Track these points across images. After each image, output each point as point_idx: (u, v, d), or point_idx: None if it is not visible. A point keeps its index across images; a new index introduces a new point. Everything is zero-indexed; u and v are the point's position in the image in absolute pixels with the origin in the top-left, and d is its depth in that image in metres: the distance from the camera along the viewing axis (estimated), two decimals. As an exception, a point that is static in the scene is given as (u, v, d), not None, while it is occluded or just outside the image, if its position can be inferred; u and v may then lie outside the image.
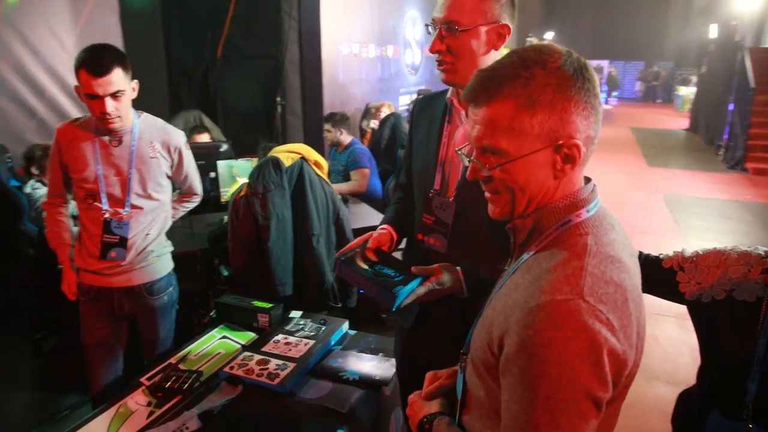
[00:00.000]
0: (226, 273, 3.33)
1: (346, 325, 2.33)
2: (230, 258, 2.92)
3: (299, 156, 2.89)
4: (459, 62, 1.41)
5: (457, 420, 1.04)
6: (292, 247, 2.87)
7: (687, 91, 17.46)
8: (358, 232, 2.20)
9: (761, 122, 9.79)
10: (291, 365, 1.97)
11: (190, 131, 4.44)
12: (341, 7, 6.54)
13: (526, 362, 0.79)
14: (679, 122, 15.66)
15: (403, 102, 8.73)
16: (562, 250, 0.88)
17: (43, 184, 3.46)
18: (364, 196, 4.53)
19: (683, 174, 9.46)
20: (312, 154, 2.98)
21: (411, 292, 1.35)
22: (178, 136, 2.29)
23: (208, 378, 1.98)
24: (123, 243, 2.16)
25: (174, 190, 2.46)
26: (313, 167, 2.95)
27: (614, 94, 21.83)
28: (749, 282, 1.16)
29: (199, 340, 2.27)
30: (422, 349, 1.63)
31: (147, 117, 2.23)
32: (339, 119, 4.69)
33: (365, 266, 1.46)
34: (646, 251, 1.35)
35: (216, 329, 2.36)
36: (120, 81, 1.99)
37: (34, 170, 3.59)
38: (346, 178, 4.59)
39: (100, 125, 2.10)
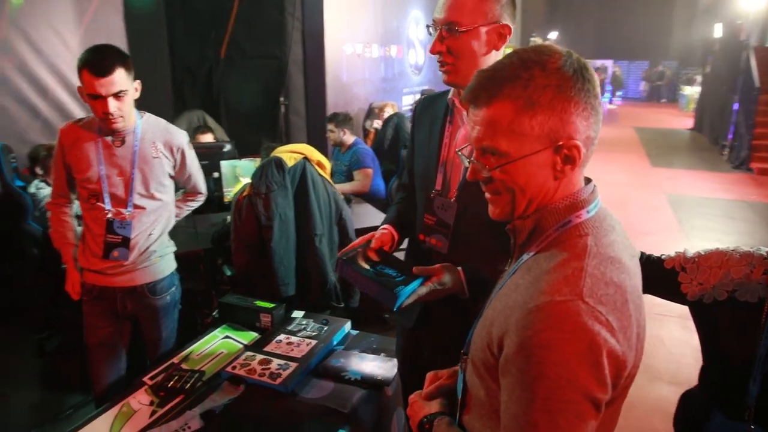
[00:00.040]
0: (229, 273, 3.33)
1: (348, 325, 2.34)
2: (233, 258, 2.93)
3: (302, 156, 2.89)
4: (460, 63, 1.41)
5: (457, 420, 1.04)
6: (295, 247, 2.87)
7: (691, 91, 17.39)
8: (361, 232, 2.20)
9: (766, 122, 9.73)
10: (293, 365, 1.97)
11: (194, 131, 4.45)
12: (345, 7, 6.54)
13: (525, 363, 0.79)
14: (684, 122, 15.60)
15: (407, 102, 8.72)
16: (561, 251, 0.88)
17: (48, 184, 3.47)
18: (367, 196, 4.53)
19: (687, 174, 9.43)
20: (314, 154, 2.98)
21: (412, 292, 1.35)
22: (180, 136, 2.29)
23: (210, 378, 1.99)
24: (126, 243, 2.17)
25: (178, 189, 2.46)
26: (316, 167, 2.95)
27: (618, 93, 21.78)
28: (751, 283, 1.16)
29: (201, 339, 2.27)
30: (424, 350, 1.63)
31: (149, 117, 2.24)
32: (342, 119, 4.70)
33: (367, 266, 1.46)
34: (649, 252, 1.35)
35: (218, 329, 2.36)
36: (122, 81, 1.99)
37: (39, 170, 3.61)
38: (349, 178, 4.59)
39: (103, 125, 2.11)
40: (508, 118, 0.88)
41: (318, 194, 2.91)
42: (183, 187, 2.50)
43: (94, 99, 1.99)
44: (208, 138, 4.40)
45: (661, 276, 1.27)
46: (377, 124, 6.02)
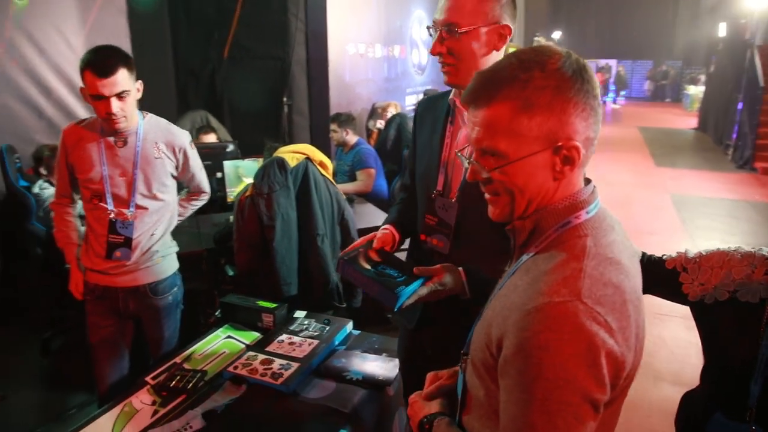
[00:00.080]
0: (231, 273, 3.34)
1: (350, 325, 2.34)
2: (235, 258, 2.93)
3: (304, 156, 2.90)
4: (460, 64, 1.41)
5: (457, 420, 1.05)
6: (297, 247, 2.88)
7: (696, 90, 17.34)
8: (364, 232, 2.20)
9: (771, 121, 9.72)
10: (295, 365, 1.98)
11: (197, 131, 4.47)
12: (348, 8, 6.55)
13: (523, 364, 0.79)
14: (688, 121, 15.55)
15: (410, 102, 8.72)
16: (560, 252, 0.88)
17: (51, 184, 3.49)
18: (369, 196, 4.53)
19: (691, 174, 9.40)
20: (317, 154, 2.98)
21: (413, 292, 1.35)
22: (182, 137, 2.30)
23: (212, 377, 1.99)
24: (128, 243, 2.18)
25: (182, 189, 2.47)
26: (318, 167, 2.96)
27: (622, 93, 21.72)
28: (753, 283, 1.16)
29: (203, 339, 2.28)
30: (425, 350, 1.63)
31: (151, 118, 2.25)
32: (345, 119, 4.71)
33: (368, 266, 1.46)
34: (653, 251, 1.34)
35: (221, 329, 2.37)
36: (125, 81, 2.00)
37: (43, 170, 3.63)
38: (352, 178, 4.60)
39: (105, 126, 2.12)
40: (507, 119, 0.88)
41: (320, 194, 2.91)
42: (186, 187, 2.51)
43: (97, 99, 2.00)
44: (211, 138, 4.41)
45: (663, 276, 1.27)
46: (380, 124, 6.03)
